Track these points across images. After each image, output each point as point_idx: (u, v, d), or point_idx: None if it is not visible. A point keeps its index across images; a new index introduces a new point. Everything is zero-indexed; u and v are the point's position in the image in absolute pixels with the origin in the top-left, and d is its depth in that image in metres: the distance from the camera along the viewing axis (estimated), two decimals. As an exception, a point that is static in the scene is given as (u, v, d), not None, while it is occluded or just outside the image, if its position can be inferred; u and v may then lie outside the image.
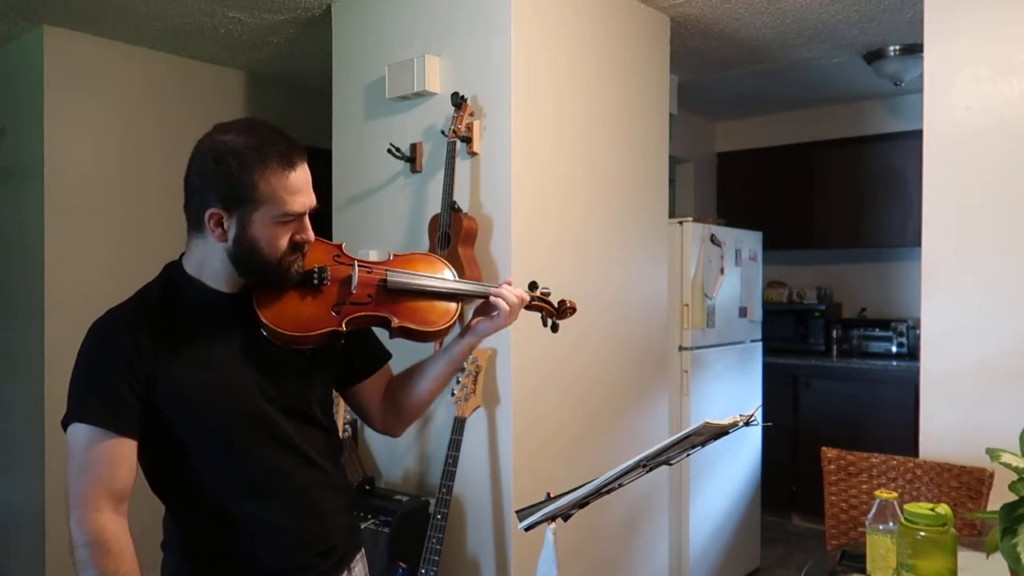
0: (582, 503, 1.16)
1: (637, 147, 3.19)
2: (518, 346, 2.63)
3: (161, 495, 1.31)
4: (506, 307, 1.41)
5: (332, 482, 1.39)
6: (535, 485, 2.64)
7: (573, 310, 1.54)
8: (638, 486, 2.89)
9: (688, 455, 1.20)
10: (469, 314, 1.48)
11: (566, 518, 1.19)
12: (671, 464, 1.22)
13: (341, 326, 1.30)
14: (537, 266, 2.69)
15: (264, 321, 1.26)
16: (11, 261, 3.72)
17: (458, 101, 2.63)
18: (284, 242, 1.25)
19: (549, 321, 1.54)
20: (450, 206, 2.61)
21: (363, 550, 1.49)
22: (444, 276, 1.45)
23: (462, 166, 2.71)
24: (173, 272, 1.34)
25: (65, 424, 1.21)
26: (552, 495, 1.18)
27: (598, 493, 1.15)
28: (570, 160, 2.86)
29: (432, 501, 2.58)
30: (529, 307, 1.48)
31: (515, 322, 1.46)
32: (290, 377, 1.32)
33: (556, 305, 1.53)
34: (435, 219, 2.67)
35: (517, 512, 1.19)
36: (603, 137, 3.01)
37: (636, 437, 3.14)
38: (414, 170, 2.88)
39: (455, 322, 1.42)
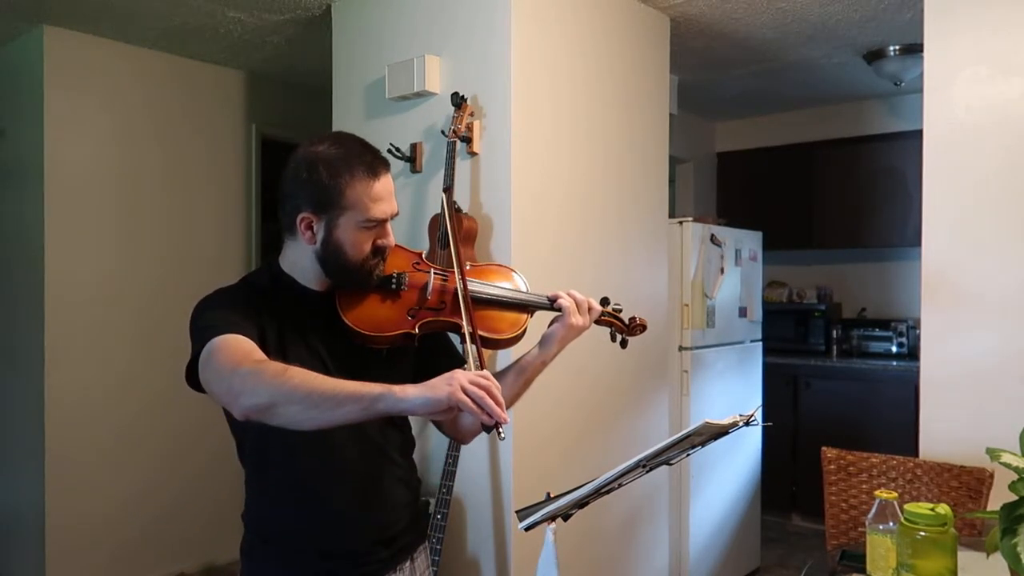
0: (582, 503, 1.16)
1: (637, 147, 3.19)
2: (517, 346, 2.62)
3: (244, 464, 1.40)
4: (569, 303, 1.46)
5: (402, 475, 1.46)
6: (535, 485, 2.64)
7: (643, 327, 1.58)
8: (638, 486, 2.89)
9: (688, 455, 1.20)
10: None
11: (566, 518, 1.18)
12: (671, 464, 1.22)
13: (414, 329, 1.37)
14: (537, 266, 2.69)
15: (344, 321, 1.34)
16: (11, 260, 3.72)
17: (458, 101, 2.63)
18: (367, 246, 1.33)
19: (618, 337, 1.58)
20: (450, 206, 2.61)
21: (427, 542, 1.56)
22: (518, 287, 1.49)
23: (462, 166, 2.71)
24: (272, 266, 1.42)
25: (201, 349, 1.22)
26: (552, 495, 1.18)
27: (598, 493, 1.15)
28: (570, 160, 2.86)
29: (432, 501, 2.59)
30: (599, 322, 1.53)
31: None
32: (368, 374, 1.37)
33: (627, 322, 1.57)
34: (435, 219, 2.67)
35: (517, 512, 1.19)
36: (603, 137, 3.01)
37: (636, 437, 3.14)
38: (414, 170, 2.88)
39: (525, 331, 1.46)
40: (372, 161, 1.33)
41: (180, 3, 3.19)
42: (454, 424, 1.51)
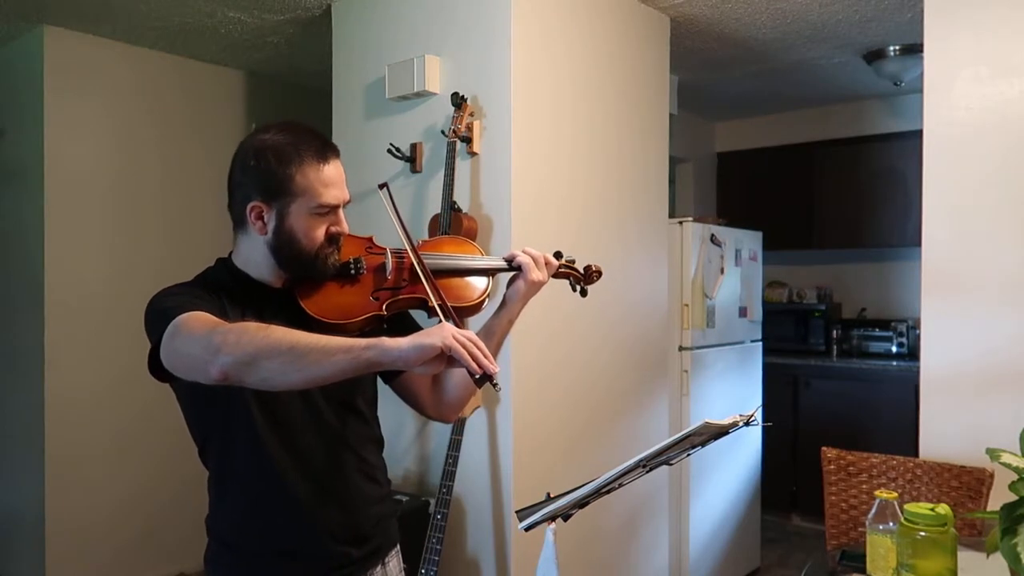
0: (582, 503, 1.16)
1: (637, 147, 3.19)
2: (518, 346, 2.63)
3: (207, 465, 1.37)
4: (527, 259, 1.46)
5: (371, 472, 1.43)
6: (535, 485, 2.64)
7: (599, 273, 1.60)
8: (638, 486, 2.88)
9: (688, 455, 1.20)
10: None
11: (566, 518, 1.18)
12: (671, 464, 1.21)
13: (382, 310, 1.35)
14: (537, 266, 2.68)
15: (309, 313, 1.31)
16: (11, 261, 3.72)
17: (458, 101, 2.63)
18: (320, 234, 1.31)
19: (578, 287, 1.60)
20: (450, 206, 2.61)
21: (398, 546, 1.51)
22: (473, 255, 1.50)
23: (462, 166, 2.71)
24: (228, 263, 1.40)
25: (164, 330, 1.17)
26: (552, 495, 1.18)
27: (598, 493, 1.15)
28: (570, 160, 2.86)
29: (432, 501, 2.58)
30: (557, 275, 1.54)
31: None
32: None
33: (582, 271, 1.59)
34: (435, 219, 2.67)
35: (517, 512, 1.19)
36: (603, 137, 3.01)
37: (636, 437, 3.14)
38: (414, 170, 2.88)
39: (488, 295, 1.46)
40: (321, 147, 1.30)
41: (180, 3, 3.19)
42: (436, 398, 1.49)
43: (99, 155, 3.62)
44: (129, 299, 3.66)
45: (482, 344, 1.13)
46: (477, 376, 1.12)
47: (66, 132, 3.51)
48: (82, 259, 3.56)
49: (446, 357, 1.10)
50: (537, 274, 1.46)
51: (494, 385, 1.13)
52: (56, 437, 3.46)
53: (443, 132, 2.69)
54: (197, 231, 3.95)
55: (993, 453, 1.41)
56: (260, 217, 1.30)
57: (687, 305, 3.55)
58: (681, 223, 3.59)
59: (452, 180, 2.62)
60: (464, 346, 1.10)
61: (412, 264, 1.39)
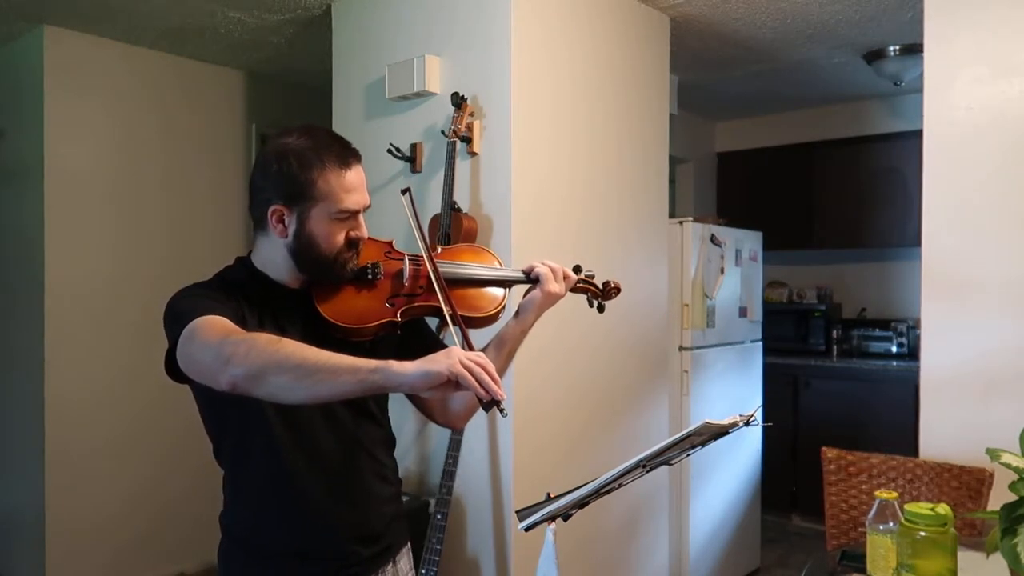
0: (582, 503, 1.16)
1: (637, 147, 3.19)
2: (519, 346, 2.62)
3: (222, 464, 1.38)
4: (546, 270, 1.45)
5: (383, 472, 1.44)
6: (535, 485, 2.64)
7: (618, 290, 1.59)
8: (638, 486, 2.89)
9: (688, 455, 1.20)
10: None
11: (566, 518, 1.18)
12: (671, 464, 1.21)
13: (396, 316, 1.35)
14: (537, 266, 2.69)
15: (324, 316, 1.32)
16: (11, 261, 3.72)
17: (458, 101, 2.63)
18: (340, 238, 1.32)
19: (595, 302, 1.60)
20: (450, 206, 2.61)
21: (409, 544, 1.52)
22: (491, 265, 1.49)
23: (462, 166, 2.71)
24: (246, 263, 1.40)
25: (180, 332, 1.19)
26: (552, 495, 1.18)
27: (598, 493, 1.15)
28: (570, 160, 2.86)
29: (432, 501, 2.59)
30: (575, 289, 1.53)
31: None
32: None
33: (601, 286, 1.58)
34: (435, 219, 2.68)
35: (517, 512, 1.19)
36: (603, 137, 3.01)
37: (636, 437, 3.14)
38: (414, 170, 2.88)
39: (504, 307, 1.45)
40: (342, 152, 1.31)
41: (180, 3, 3.19)
42: (444, 407, 1.49)
43: (99, 155, 3.62)
44: (129, 299, 3.67)
45: (491, 367, 1.12)
46: (484, 402, 1.12)
47: (66, 132, 3.51)
48: (82, 259, 3.56)
49: (454, 382, 1.10)
50: (554, 286, 1.46)
51: (500, 410, 1.12)
52: (56, 437, 3.46)
53: (443, 132, 2.69)
54: (197, 231, 3.95)
55: (993, 453, 1.41)
56: (281, 220, 1.31)
57: (687, 305, 3.55)
58: (681, 223, 3.59)
59: (452, 180, 2.62)
60: (471, 371, 1.09)
61: (429, 272, 1.39)
